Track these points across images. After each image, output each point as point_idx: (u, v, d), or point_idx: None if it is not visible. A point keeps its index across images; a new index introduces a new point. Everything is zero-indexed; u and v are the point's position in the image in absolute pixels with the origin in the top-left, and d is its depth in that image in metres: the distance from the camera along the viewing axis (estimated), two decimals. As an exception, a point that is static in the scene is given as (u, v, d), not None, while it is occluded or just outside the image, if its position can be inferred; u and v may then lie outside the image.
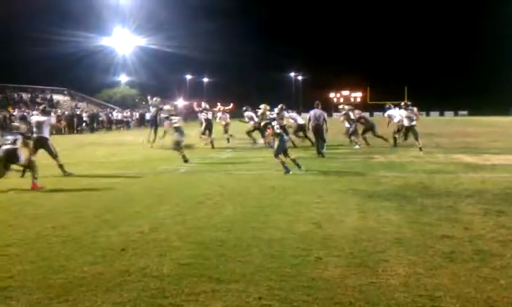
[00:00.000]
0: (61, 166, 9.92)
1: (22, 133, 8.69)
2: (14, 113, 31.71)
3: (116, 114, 41.82)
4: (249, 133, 17.34)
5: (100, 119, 38.18)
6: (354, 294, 3.46)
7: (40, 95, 43.69)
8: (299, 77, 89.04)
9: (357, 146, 15.43)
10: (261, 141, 15.06)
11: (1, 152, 8.31)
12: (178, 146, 12.07)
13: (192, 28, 63.96)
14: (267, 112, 11.21)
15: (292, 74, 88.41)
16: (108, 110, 44.64)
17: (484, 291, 3.49)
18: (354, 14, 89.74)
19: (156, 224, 5.59)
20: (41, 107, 10.75)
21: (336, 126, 20.33)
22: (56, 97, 45.91)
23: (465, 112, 68.69)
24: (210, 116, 18.36)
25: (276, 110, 15.16)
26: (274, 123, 10.25)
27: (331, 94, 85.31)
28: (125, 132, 34.56)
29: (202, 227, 5.41)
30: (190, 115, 18.51)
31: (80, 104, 45.93)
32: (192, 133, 18.38)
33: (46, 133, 9.92)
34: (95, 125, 36.06)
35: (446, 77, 78.48)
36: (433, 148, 14.98)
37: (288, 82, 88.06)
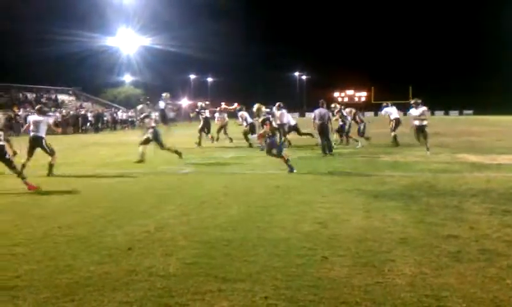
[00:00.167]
0: (51, 166, 10.08)
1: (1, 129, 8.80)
2: (19, 113, 31.90)
3: (121, 114, 41.96)
4: (245, 135, 16.93)
5: (105, 119, 38.33)
6: (360, 294, 3.45)
7: (44, 95, 43.90)
8: (304, 77, 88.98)
9: (359, 145, 15.45)
10: (254, 136, 15.03)
11: None
12: (163, 146, 12.15)
13: (197, 28, 64.35)
14: (263, 108, 11.24)
15: (297, 74, 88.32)
16: (113, 110, 44.78)
17: (491, 291, 3.47)
18: (360, 14, 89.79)
19: (161, 223, 5.61)
20: (37, 107, 10.98)
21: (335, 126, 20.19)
22: (61, 97, 46.14)
23: (470, 112, 68.29)
24: (208, 114, 18.42)
25: (274, 108, 15.19)
26: (272, 118, 10.27)
27: (336, 94, 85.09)
28: (130, 131, 34.62)
29: (207, 226, 5.42)
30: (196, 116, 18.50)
31: (85, 104, 46.06)
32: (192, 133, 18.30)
33: (42, 132, 10.14)
34: (99, 124, 36.20)
35: (451, 76, 78.25)
36: (438, 147, 14.93)
37: (292, 82, 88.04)
